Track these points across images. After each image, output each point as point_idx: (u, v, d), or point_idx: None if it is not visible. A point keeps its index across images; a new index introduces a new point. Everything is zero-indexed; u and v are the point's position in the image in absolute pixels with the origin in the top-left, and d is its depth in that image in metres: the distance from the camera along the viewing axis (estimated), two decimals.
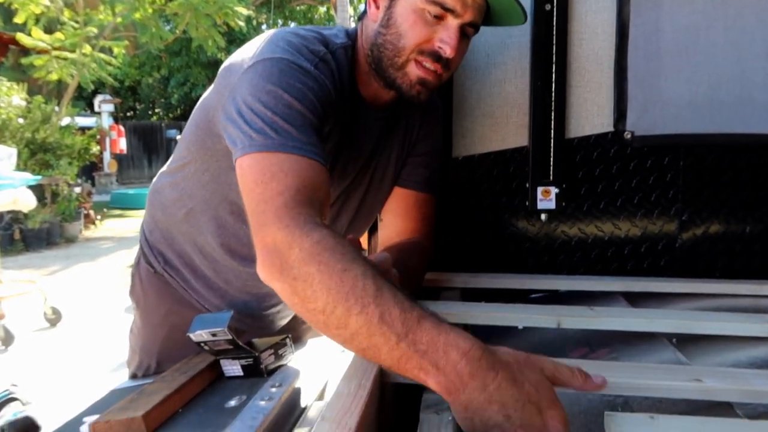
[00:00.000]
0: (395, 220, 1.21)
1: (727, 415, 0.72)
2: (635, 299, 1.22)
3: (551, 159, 1.35)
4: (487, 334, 1.08)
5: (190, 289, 1.24)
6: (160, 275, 1.25)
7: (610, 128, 1.35)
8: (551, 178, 1.36)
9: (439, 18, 0.94)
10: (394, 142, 1.16)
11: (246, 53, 0.98)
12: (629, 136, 1.34)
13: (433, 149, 1.21)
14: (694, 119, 1.32)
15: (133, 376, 1.32)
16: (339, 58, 1.01)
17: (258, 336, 1.17)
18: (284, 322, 1.33)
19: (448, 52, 0.95)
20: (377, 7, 1.01)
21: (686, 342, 0.99)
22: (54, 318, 4.49)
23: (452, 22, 0.95)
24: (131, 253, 6.96)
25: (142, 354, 1.31)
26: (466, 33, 0.98)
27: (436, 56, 0.96)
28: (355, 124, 1.07)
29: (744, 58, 1.32)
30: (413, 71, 0.98)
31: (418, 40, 0.96)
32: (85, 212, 9.16)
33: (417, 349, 0.63)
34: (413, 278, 1.08)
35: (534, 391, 0.61)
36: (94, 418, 0.98)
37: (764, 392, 0.70)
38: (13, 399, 1.32)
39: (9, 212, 6.79)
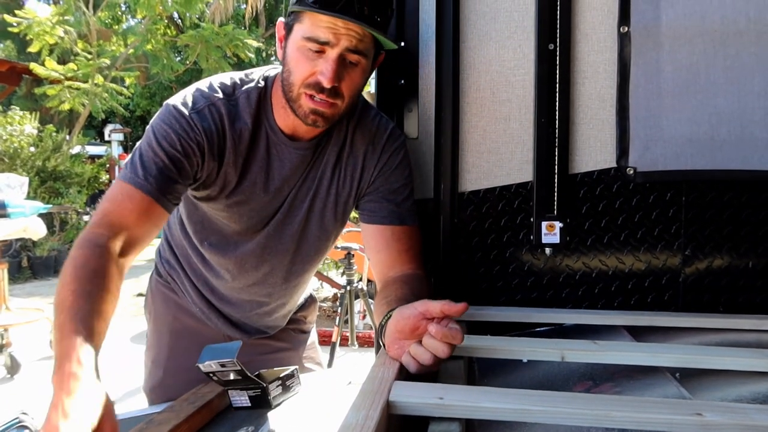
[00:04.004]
0: (379, 256, 1.25)
1: None
2: (639, 333, 1.23)
3: (555, 194, 1.38)
4: (492, 367, 1.09)
5: (186, 292, 1.43)
6: (165, 281, 1.46)
7: (613, 164, 1.38)
8: (555, 212, 1.38)
9: (319, 52, 1.05)
10: (333, 175, 1.25)
11: None
12: (632, 172, 1.37)
13: (399, 185, 1.26)
14: (695, 156, 1.35)
15: (147, 393, 1.47)
16: (240, 102, 1.16)
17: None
18: (262, 327, 1.47)
19: (326, 82, 1.05)
20: (281, 47, 1.13)
21: (689, 377, 1.00)
22: None
23: (330, 54, 1.05)
24: (137, 282, 7.00)
25: (152, 366, 1.47)
26: (349, 60, 1.07)
27: (319, 87, 1.06)
28: (272, 155, 1.20)
29: (743, 97, 1.35)
30: (305, 103, 1.09)
31: (302, 76, 1.07)
32: None
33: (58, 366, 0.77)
34: None
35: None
36: None
37: (764, 427, 0.72)
38: (24, 427, 1.33)
39: (18, 240, 6.85)
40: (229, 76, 1.20)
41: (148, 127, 1.14)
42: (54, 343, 0.83)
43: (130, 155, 1.12)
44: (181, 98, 1.15)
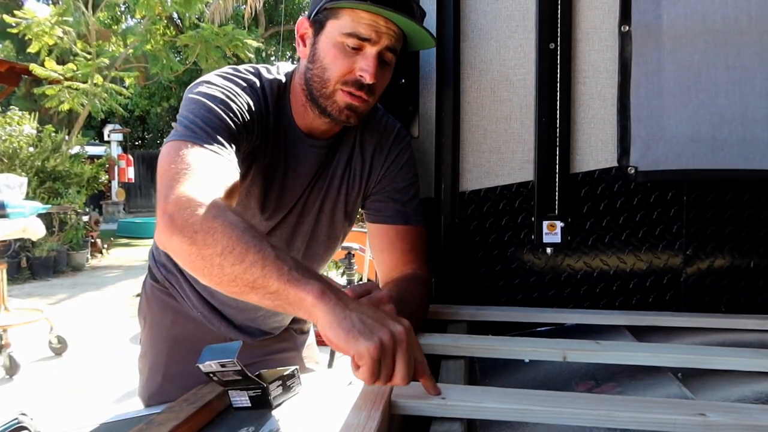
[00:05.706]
0: (383, 256, 1.25)
1: None
2: (641, 333, 1.22)
3: (556, 193, 1.38)
4: (493, 367, 1.09)
5: (185, 296, 1.37)
6: (162, 286, 1.40)
7: (614, 163, 1.38)
8: (556, 212, 1.38)
9: (357, 49, 1.05)
10: (344, 174, 1.24)
11: None
12: (633, 171, 1.36)
13: (405, 185, 1.25)
14: (696, 156, 1.35)
15: (145, 401, 1.41)
16: (266, 89, 1.13)
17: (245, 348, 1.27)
18: (266, 328, 1.42)
19: (367, 78, 1.05)
20: (305, 45, 1.12)
21: (691, 377, 1.00)
22: (60, 347, 4.49)
23: (370, 51, 1.05)
24: (137, 283, 6.99)
25: (150, 373, 1.41)
26: (385, 59, 1.07)
27: (359, 84, 1.06)
28: (290, 152, 1.17)
29: (745, 97, 1.34)
30: (341, 99, 1.08)
31: (340, 72, 1.06)
32: (92, 241, 9.20)
33: (302, 276, 0.78)
34: (414, 309, 1.10)
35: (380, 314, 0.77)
36: None
37: (767, 427, 0.71)
38: (23, 428, 1.32)
39: (17, 240, 6.83)
40: (250, 65, 1.16)
41: (186, 101, 1.03)
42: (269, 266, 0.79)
43: (176, 126, 1.00)
44: (217, 75, 1.08)
